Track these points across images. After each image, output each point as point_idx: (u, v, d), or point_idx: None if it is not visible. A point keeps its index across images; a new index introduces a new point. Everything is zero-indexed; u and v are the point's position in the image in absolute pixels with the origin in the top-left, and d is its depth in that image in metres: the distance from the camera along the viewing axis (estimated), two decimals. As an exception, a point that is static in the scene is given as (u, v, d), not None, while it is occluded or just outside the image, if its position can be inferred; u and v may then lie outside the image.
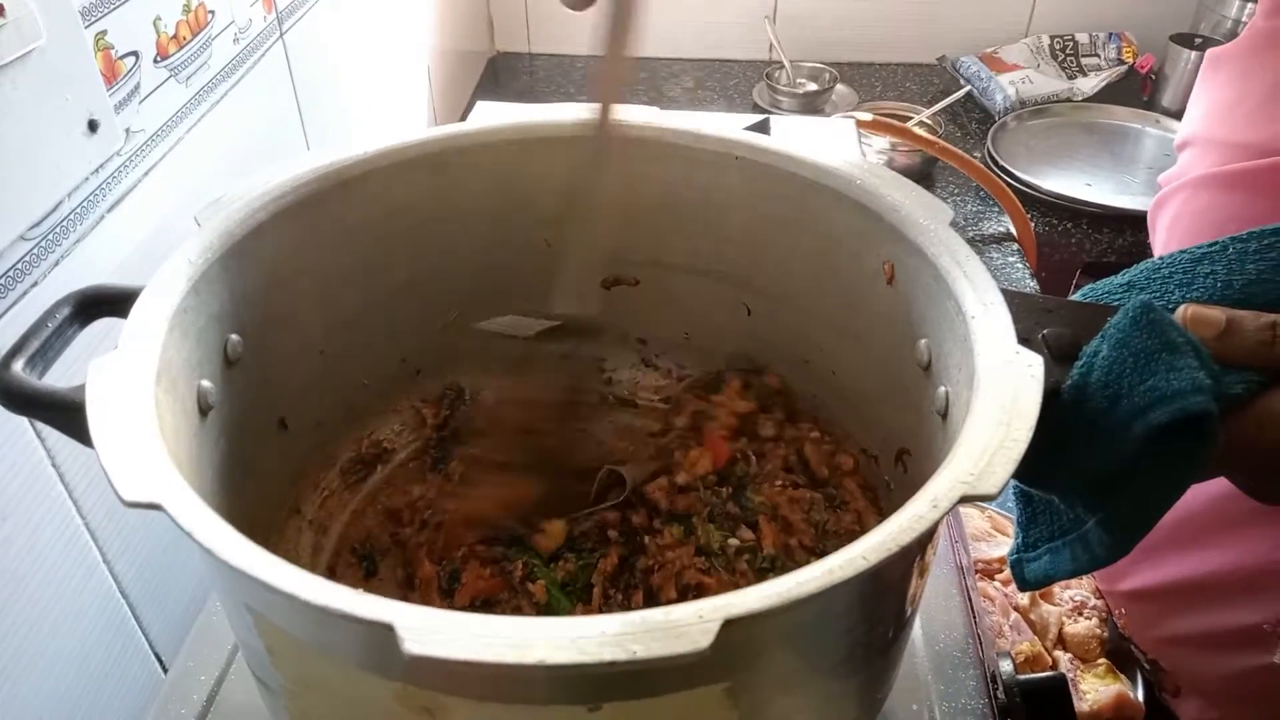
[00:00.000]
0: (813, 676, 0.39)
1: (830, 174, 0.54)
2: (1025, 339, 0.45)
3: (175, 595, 0.73)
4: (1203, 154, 0.69)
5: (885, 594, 0.39)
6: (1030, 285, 1.25)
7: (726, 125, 0.57)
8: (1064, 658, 0.77)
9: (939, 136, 1.40)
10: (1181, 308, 0.45)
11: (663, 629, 0.29)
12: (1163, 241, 0.73)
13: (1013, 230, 1.33)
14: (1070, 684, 0.76)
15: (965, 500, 0.34)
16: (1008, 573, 0.81)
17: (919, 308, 0.49)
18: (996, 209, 1.36)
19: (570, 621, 0.29)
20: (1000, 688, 0.59)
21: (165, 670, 0.72)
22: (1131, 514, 0.43)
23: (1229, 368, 0.43)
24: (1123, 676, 0.77)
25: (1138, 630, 0.76)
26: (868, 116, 1.31)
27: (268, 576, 0.31)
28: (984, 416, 0.37)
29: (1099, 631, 0.79)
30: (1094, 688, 0.75)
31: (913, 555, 0.38)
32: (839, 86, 1.63)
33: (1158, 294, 0.49)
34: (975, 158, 1.43)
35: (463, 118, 1.31)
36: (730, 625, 0.29)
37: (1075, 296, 0.53)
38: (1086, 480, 0.44)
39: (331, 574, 0.57)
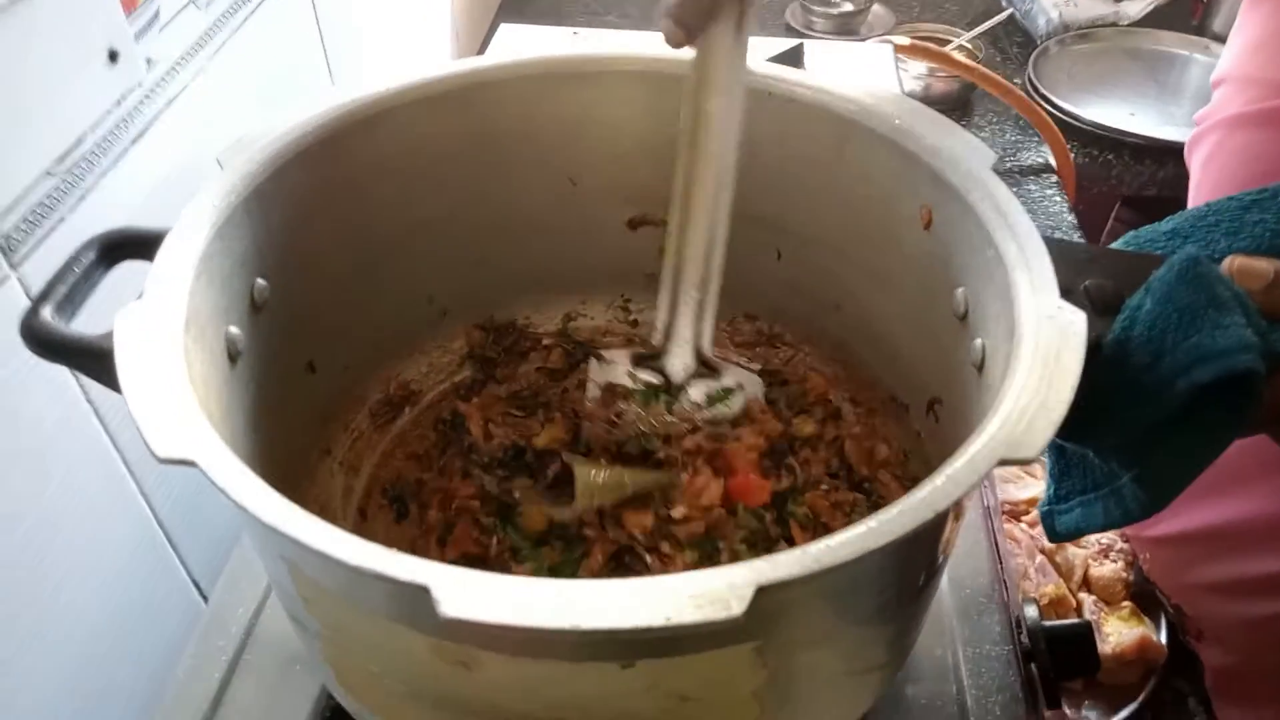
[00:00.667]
0: (842, 632, 0.39)
1: (867, 112, 0.52)
2: (1067, 290, 0.44)
3: (213, 526, 0.74)
4: (1237, 91, 0.67)
5: (918, 553, 0.39)
6: (1068, 218, 1.22)
7: (757, 59, 0.55)
8: (1088, 600, 0.77)
9: (979, 61, 1.35)
10: (1228, 259, 0.43)
11: (697, 595, 0.29)
12: (1198, 181, 0.71)
13: (1052, 161, 1.29)
14: (1094, 626, 0.77)
15: (1004, 463, 0.34)
16: (1034, 515, 0.81)
17: (958, 255, 0.48)
18: (1036, 139, 1.32)
19: (605, 586, 0.29)
20: (1025, 633, 0.59)
21: (205, 599, 0.74)
22: (1168, 471, 0.43)
23: (1276, 322, 0.41)
24: (1146, 619, 0.77)
25: (1162, 575, 0.76)
26: (905, 41, 1.26)
27: (303, 535, 0.31)
28: (1024, 375, 0.36)
29: (1124, 575, 0.79)
30: (1117, 630, 0.76)
31: (947, 516, 0.37)
32: (875, 6, 1.57)
33: (1203, 243, 0.48)
34: (1015, 85, 1.38)
35: (486, 39, 1.27)
36: (763, 591, 0.29)
37: (1118, 244, 0.51)
38: (1124, 436, 0.43)
39: (363, 516, 0.57)
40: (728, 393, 0.57)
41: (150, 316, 0.38)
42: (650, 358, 0.58)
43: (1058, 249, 0.45)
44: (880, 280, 0.56)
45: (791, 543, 0.53)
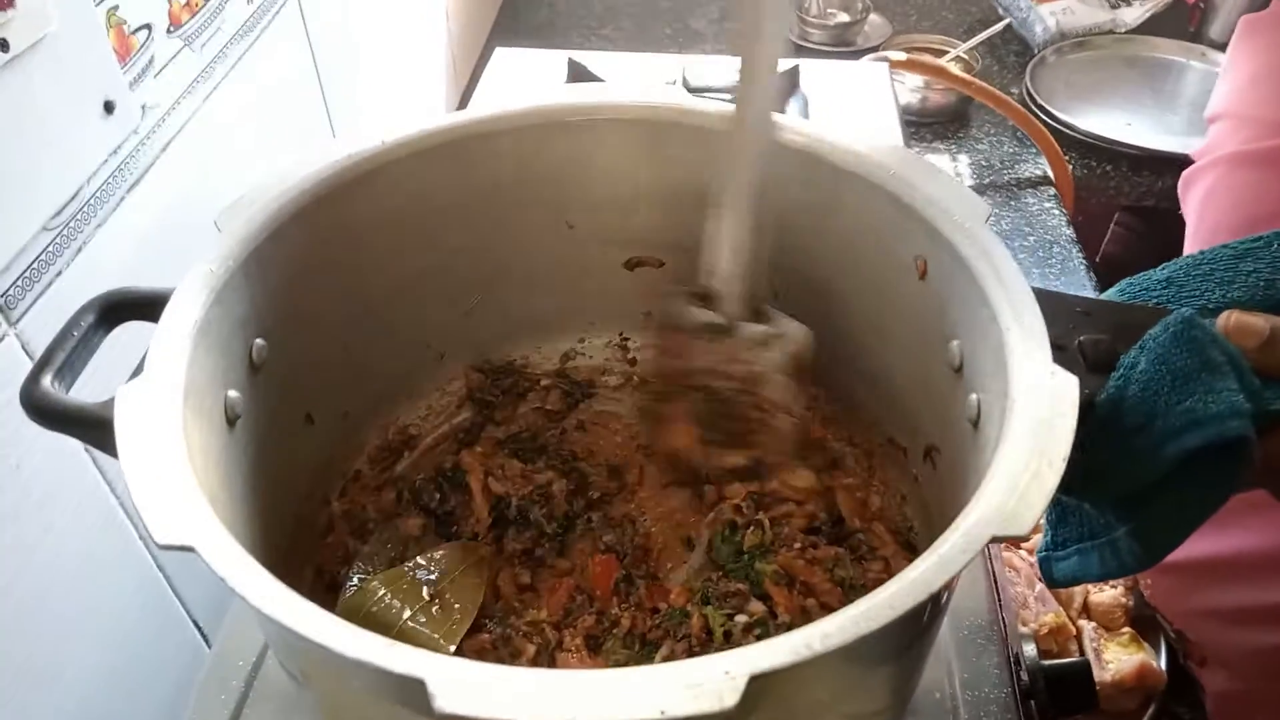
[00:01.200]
0: (840, 700, 0.39)
1: (863, 161, 0.53)
2: (1060, 345, 0.44)
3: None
4: (1234, 130, 0.67)
5: (913, 627, 0.39)
6: (1066, 231, 1.22)
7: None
8: (1088, 627, 0.78)
9: (975, 72, 1.35)
10: (1224, 315, 0.44)
11: (692, 686, 0.29)
12: (1196, 220, 0.71)
13: (1050, 173, 1.29)
14: (1093, 653, 0.77)
15: (996, 540, 0.34)
16: (1035, 540, 0.81)
17: (952, 308, 0.48)
18: (1033, 150, 1.32)
19: (599, 677, 0.30)
20: (1023, 670, 0.60)
21: (208, 642, 0.74)
22: (1163, 527, 0.43)
23: (1269, 380, 0.42)
24: (1146, 645, 0.77)
25: (1165, 601, 0.76)
26: (901, 56, 1.26)
27: (301, 627, 0.31)
28: (1016, 446, 0.37)
29: (1124, 600, 0.79)
30: (1117, 657, 0.76)
31: (941, 593, 0.38)
32: (872, 16, 1.57)
33: (1197, 292, 0.48)
34: (1012, 95, 1.39)
35: (480, 61, 1.27)
36: (756, 679, 0.30)
37: (1112, 292, 0.51)
38: (1118, 493, 0.44)
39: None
40: (775, 339, 0.57)
41: (150, 394, 0.39)
42: (704, 298, 0.57)
43: (1051, 302, 0.45)
44: (876, 327, 0.57)
45: (766, 599, 0.53)
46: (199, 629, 0.74)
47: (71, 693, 0.61)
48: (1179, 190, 0.73)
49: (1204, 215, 0.68)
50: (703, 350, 0.55)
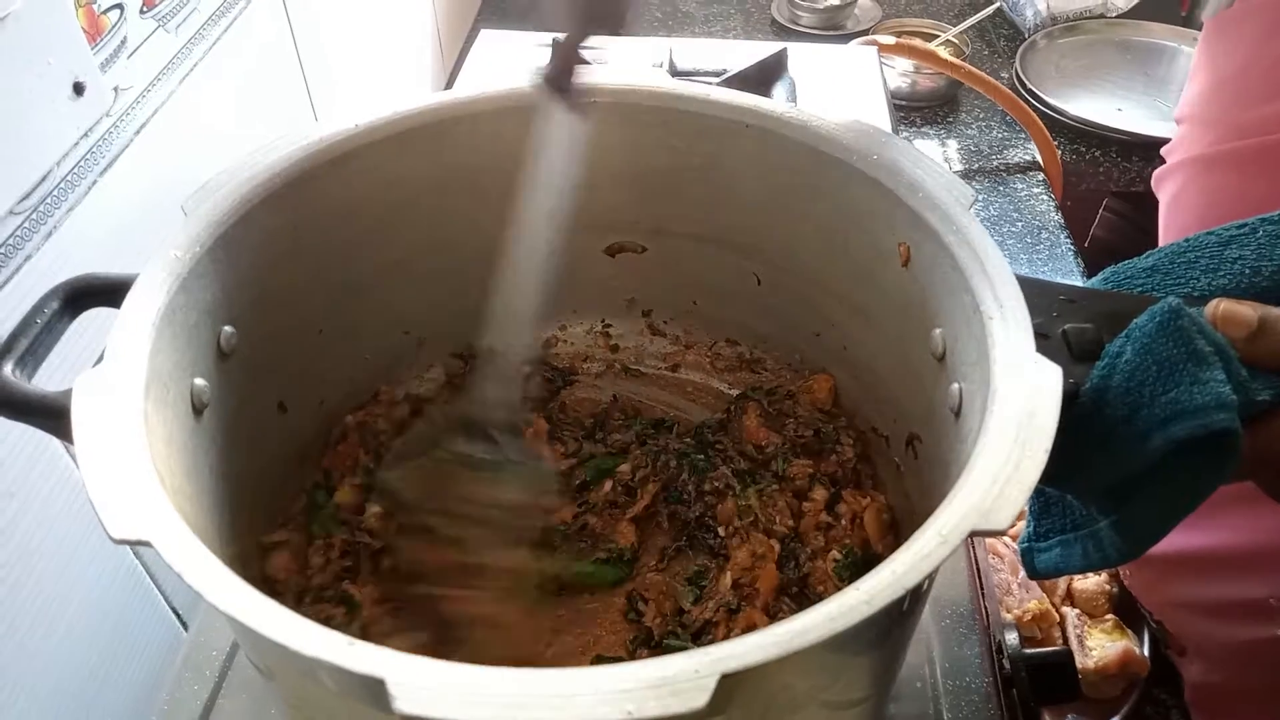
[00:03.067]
0: (817, 692, 0.38)
1: (845, 147, 0.52)
2: (1044, 334, 0.44)
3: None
4: (1201, 132, 0.66)
5: (891, 621, 0.38)
6: (1055, 217, 1.22)
7: (736, 92, 0.55)
8: (1072, 614, 0.77)
9: (965, 57, 1.34)
10: (1213, 304, 0.43)
11: (658, 686, 0.28)
12: (1165, 220, 0.70)
13: (1039, 158, 1.28)
14: (1077, 640, 0.77)
15: (975, 535, 0.33)
16: (1018, 529, 0.81)
17: (934, 296, 0.47)
18: (1023, 135, 1.31)
19: (565, 676, 0.29)
20: (1005, 658, 0.59)
21: (185, 626, 0.73)
22: (1146, 520, 0.42)
23: (1257, 370, 0.41)
24: (1130, 632, 0.77)
25: (1144, 592, 0.76)
26: (890, 40, 1.25)
27: (259, 625, 0.30)
28: (998, 437, 0.36)
29: (1108, 587, 0.79)
30: (1101, 644, 0.76)
31: (919, 587, 0.37)
32: (862, 0, 1.56)
33: (1182, 279, 0.47)
34: (1003, 79, 1.37)
35: (467, 43, 1.26)
36: (727, 678, 0.29)
37: (1097, 280, 0.50)
38: (1102, 484, 0.43)
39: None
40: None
41: (108, 384, 0.37)
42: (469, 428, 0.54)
43: (1035, 289, 0.44)
44: (859, 313, 0.56)
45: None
46: (177, 615, 0.73)
47: (46, 679, 0.60)
48: (1153, 184, 0.73)
49: (1172, 217, 0.68)
50: (460, 480, 0.52)
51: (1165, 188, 0.70)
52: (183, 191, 0.48)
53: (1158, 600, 0.74)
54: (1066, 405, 0.37)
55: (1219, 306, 0.42)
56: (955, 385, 0.45)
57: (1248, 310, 0.42)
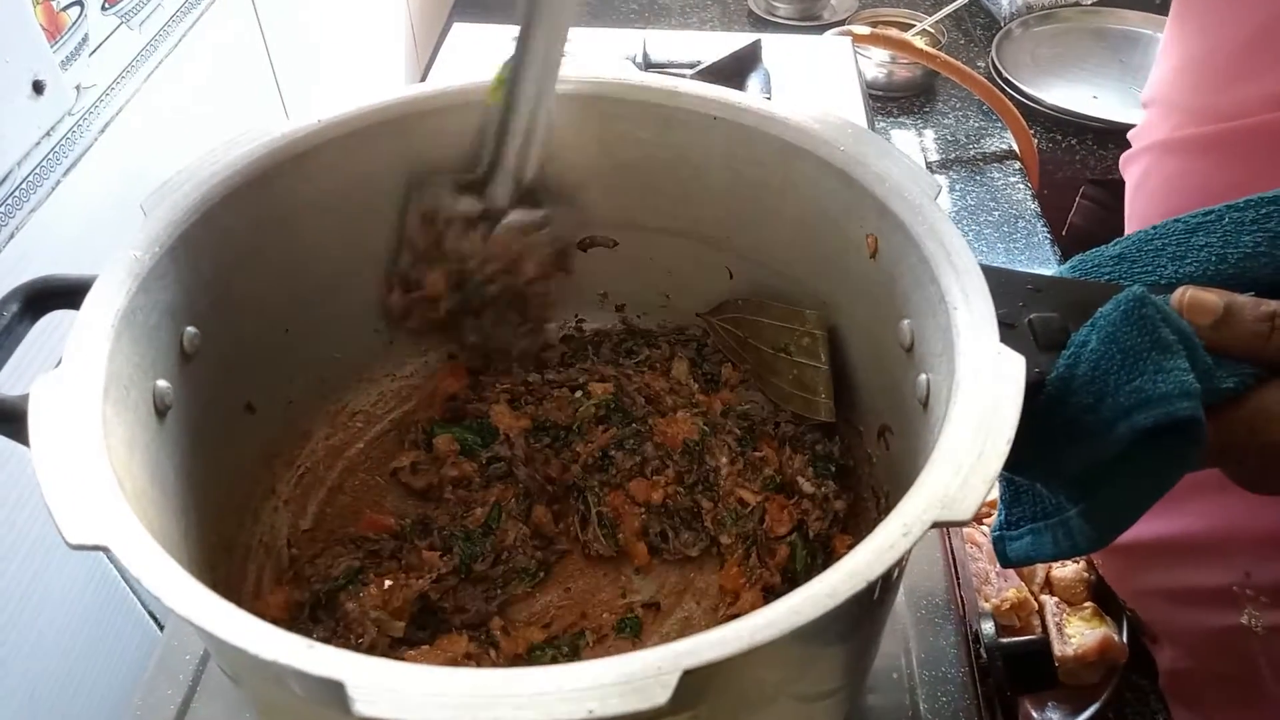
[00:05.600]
0: (788, 684, 0.38)
1: (812, 138, 0.51)
2: (1010, 324, 0.44)
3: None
4: (1165, 116, 0.66)
5: (857, 610, 0.38)
6: (1031, 206, 1.22)
7: (704, 85, 0.54)
8: (1050, 601, 0.78)
9: (941, 46, 1.34)
10: (1179, 291, 0.43)
11: (621, 684, 0.28)
12: (1129, 206, 0.70)
13: (1015, 147, 1.28)
14: (1056, 627, 0.77)
15: (938, 525, 0.33)
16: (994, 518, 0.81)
17: (902, 287, 0.47)
18: (999, 124, 1.31)
19: (525, 676, 0.29)
20: (982, 648, 0.59)
21: (160, 627, 0.73)
22: (1113, 507, 0.42)
23: (1223, 358, 0.41)
24: (1108, 619, 0.77)
25: (1116, 580, 0.76)
26: (865, 30, 1.25)
27: (217, 629, 0.30)
28: (961, 428, 0.36)
29: (1086, 575, 0.79)
30: (1079, 631, 0.76)
31: (886, 576, 0.37)
32: (838, -10, 1.55)
33: (1149, 267, 0.47)
34: (979, 68, 1.38)
35: (442, 37, 1.25)
36: (689, 675, 0.29)
37: (1064, 268, 0.51)
38: (1068, 473, 0.43)
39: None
40: (538, 225, 0.56)
41: (66, 386, 0.37)
42: (473, 185, 0.56)
43: (1001, 279, 0.44)
44: (829, 305, 0.56)
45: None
46: (153, 616, 0.72)
47: (21, 684, 0.60)
48: (1120, 167, 0.73)
49: (1137, 202, 0.68)
50: (462, 239, 0.55)
51: (1130, 172, 0.70)
52: (150, 191, 0.48)
53: (1128, 588, 0.75)
54: (1032, 395, 0.37)
55: (1185, 294, 0.43)
56: (923, 376, 0.45)
57: (1213, 297, 0.42)
